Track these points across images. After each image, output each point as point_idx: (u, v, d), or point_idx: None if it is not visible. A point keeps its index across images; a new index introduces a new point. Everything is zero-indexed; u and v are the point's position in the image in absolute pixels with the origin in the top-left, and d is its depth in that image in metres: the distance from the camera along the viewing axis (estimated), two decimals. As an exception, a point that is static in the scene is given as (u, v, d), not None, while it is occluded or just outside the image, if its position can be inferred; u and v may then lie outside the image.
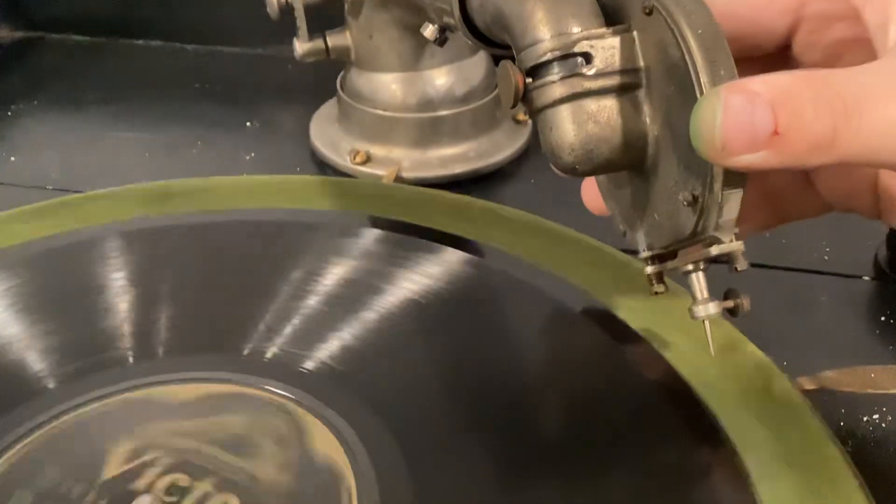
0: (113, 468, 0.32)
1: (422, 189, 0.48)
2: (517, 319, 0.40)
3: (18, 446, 0.33)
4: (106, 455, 0.33)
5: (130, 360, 0.37)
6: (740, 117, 0.27)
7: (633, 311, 0.38)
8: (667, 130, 0.31)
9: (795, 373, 0.36)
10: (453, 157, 0.52)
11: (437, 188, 0.48)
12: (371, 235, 0.43)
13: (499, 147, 0.52)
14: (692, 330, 0.34)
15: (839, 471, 0.32)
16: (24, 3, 0.70)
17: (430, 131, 0.52)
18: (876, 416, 0.36)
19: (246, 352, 0.37)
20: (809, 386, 0.36)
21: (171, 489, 0.32)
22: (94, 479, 0.32)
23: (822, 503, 0.31)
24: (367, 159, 0.52)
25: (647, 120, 0.32)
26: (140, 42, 0.69)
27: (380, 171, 0.51)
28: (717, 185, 0.29)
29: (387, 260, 0.41)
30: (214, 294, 0.40)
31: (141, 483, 0.32)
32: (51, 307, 0.39)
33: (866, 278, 0.44)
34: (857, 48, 0.32)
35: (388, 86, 0.52)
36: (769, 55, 0.35)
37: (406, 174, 0.51)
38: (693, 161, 0.30)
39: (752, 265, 0.43)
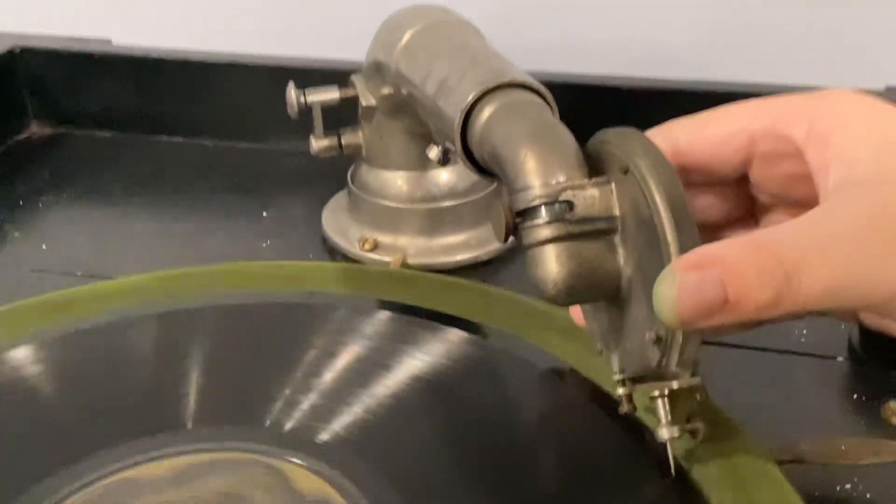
0: None
1: (426, 274, 0.51)
2: (514, 393, 0.43)
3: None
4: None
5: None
6: (694, 294, 0.31)
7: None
8: (638, 272, 0.35)
9: (772, 445, 0.39)
10: (455, 244, 0.55)
11: (440, 273, 0.52)
12: (379, 316, 0.46)
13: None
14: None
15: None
16: (53, 102, 0.74)
17: (433, 221, 0.55)
18: (848, 486, 0.39)
19: (266, 424, 0.40)
20: (785, 457, 0.39)
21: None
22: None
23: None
24: (375, 246, 0.56)
25: (622, 261, 0.36)
26: (161, 137, 0.73)
27: (387, 258, 0.55)
28: (679, 331, 0.33)
29: (394, 339, 0.45)
30: (235, 372, 0.43)
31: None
32: (88, 385, 0.42)
33: (841, 359, 0.46)
34: (808, 181, 0.36)
35: (395, 181, 0.56)
36: (734, 181, 0.39)
37: (411, 260, 0.54)
38: None
39: (735, 346, 0.47)
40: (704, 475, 0.37)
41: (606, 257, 0.36)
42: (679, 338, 0.33)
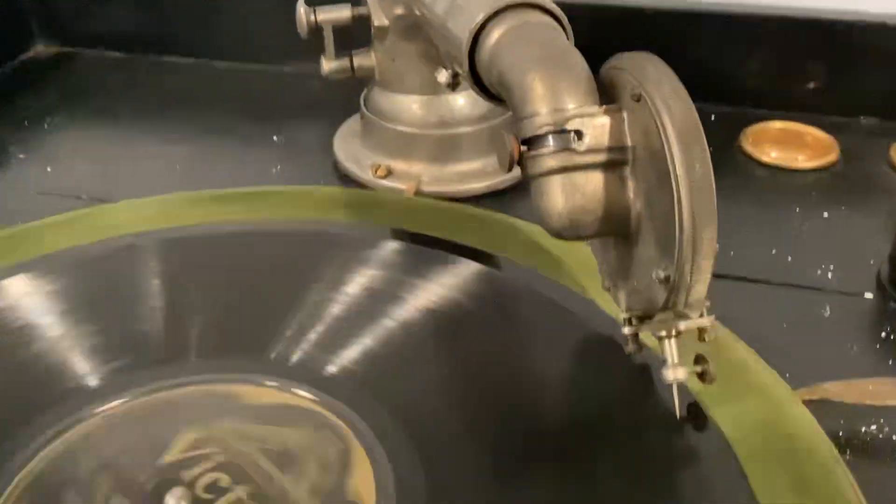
0: (174, 454, 0.34)
1: (441, 202, 0.50)
2: (528, 328, 0.41)
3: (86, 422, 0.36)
4: (173, 440, 0.35)
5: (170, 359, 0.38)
6: None
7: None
8: (647, 208, 0.34)
9: (797, 385, 0.37)
10: (471, 172, 0.53)
11: (455, 202, 0.50)
12: (392, 246, 0.45)
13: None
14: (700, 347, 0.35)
15: (837, 476, 0.34)
16: (59, 20, 0.72)
17: (448, 148, 0.54)
18: (874, 427, 0.38)
19: (271, 356, 0.39)
20: (810, 397, 0.37)
21: (211, 487, 0.33)
22: (154, 461, 0.34)
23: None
24: (388, 173, 0.54)
25: (631, 195, 0.34)
26: (171, 58, 0.71)
27: (400, 185, 0.53)
28: (687, 269, 0.31)
29: (405, 270, 0.43)
30: (242, 300, 0.42)
31: (191, 473, 0.34)
32: (88, 311, 0.41)
33: (868, 296, 0.45)
34: None
35: (409, 105, 0.54)
36: None
37: (425, 188, 0.53)
38: (667, 243, 0.32)
39: (759, 282, 0.45)
40: (723, 416, 0.36)
41: (615, 191, 0.34)
42: (688, 278, 0.32)
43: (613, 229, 0.35)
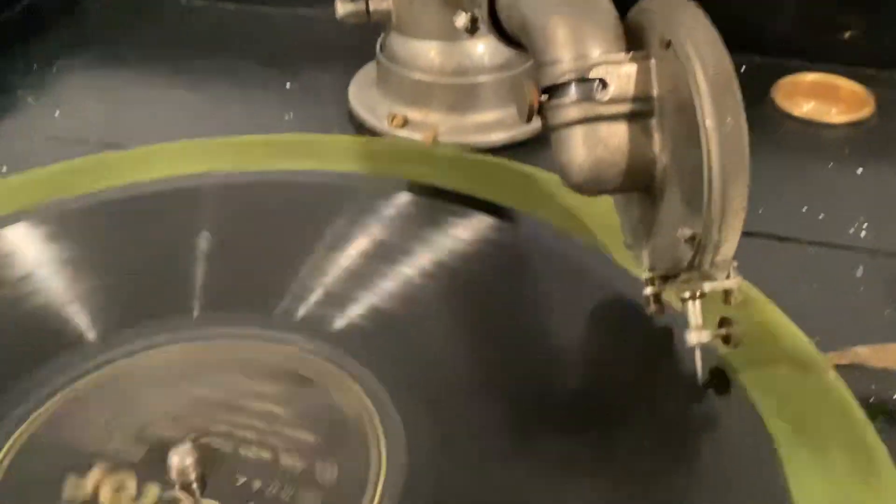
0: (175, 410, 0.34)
1: (458, 153, 0.48)
2: (546, 284, 0.40)
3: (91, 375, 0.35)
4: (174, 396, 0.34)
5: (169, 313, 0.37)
6: None
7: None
8: (674, 163, 0.32)
9: (828, 348, 0.36)
10: (490, 123, 0.52)
11: (473, 153, 0.48)
12: (406, 198, 0.43)
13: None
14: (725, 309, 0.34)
15: (866, 442, 0.32)
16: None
17: (467, 97, 0.52)
18: (907, 393, 0.36)
19: (278, 310, 0.38)
20: (841, 361, 0.36)
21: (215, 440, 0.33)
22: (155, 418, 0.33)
23: (849, 475, 0.31)
24: (405, 123, 0.52)
25: (657, 149, 0.32)
26: (182, 1, 0.69)
27: (417, 136, 0.51)
28: (715, 227, 0.29)
29: (420, 223, 0.42)
30: (250, 252, 0.40)
31: (194, 427, 0.33)
32: (94, 260, 0.40)
33: (903, 256, 0.43)
34: None
35: (426, 52, 0.52)
36: None
37: (443, 139, 0.51)
38: (694, 200, 0.30)
39: (789, 240, 0.43)
40: (749, 380, 0.34)
41: (640, 143, 0.32)
42: (715, 237, 0.30)
43: (637, 184, 0.33)
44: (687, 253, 0.31)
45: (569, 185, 0.33)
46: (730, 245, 0.31)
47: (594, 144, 0.32)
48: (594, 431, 0.33)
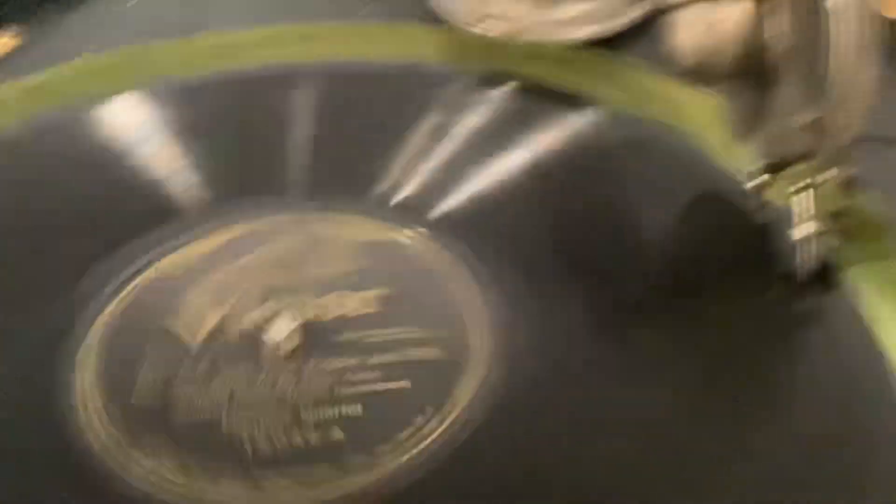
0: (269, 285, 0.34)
1: (545, 46, 0.47)
2: (643, 178, 0.39)
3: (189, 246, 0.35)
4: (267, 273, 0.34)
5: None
6: None
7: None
8: (793, 44, 0.30)
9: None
10: (577, 17, 0.50)
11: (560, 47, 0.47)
12: (499, 90, 0.42)
13: (625, 8, 0.50)
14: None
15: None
16: None
17: (552, -10, 0.50)
18: None
19: (375, 195, 0.37)
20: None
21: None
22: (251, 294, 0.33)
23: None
24: (486, 17, 0.51)
25: (776, 30, 0.31)
26: None
27: (499, 29, 0.50)
28: (837, 114, 0.28)
29: (513, 115, 0.41)
30: (348, 138, 0.40)
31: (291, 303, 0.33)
32: (196, 138, 0.40)
33: None
34: None
35: (516, -64, 0.50)
36: None
37: (526, 35, 0.49)
38: (816, 84, 0.29)
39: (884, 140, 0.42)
40: (856, 278, 0.33)
41: (757, 24, 0.31)
42: (837, 124, 0.29)
43: (752, 68, 0.32)
44: (804, 140, 0.30)
45: (679, 71, 0.32)
46: (851, 133, 0.29)
47: (708, 27, 0.31)
48: (693, 327, 0.33)
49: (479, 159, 0.39)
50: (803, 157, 0.31)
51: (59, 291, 0.33)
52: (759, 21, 0.31)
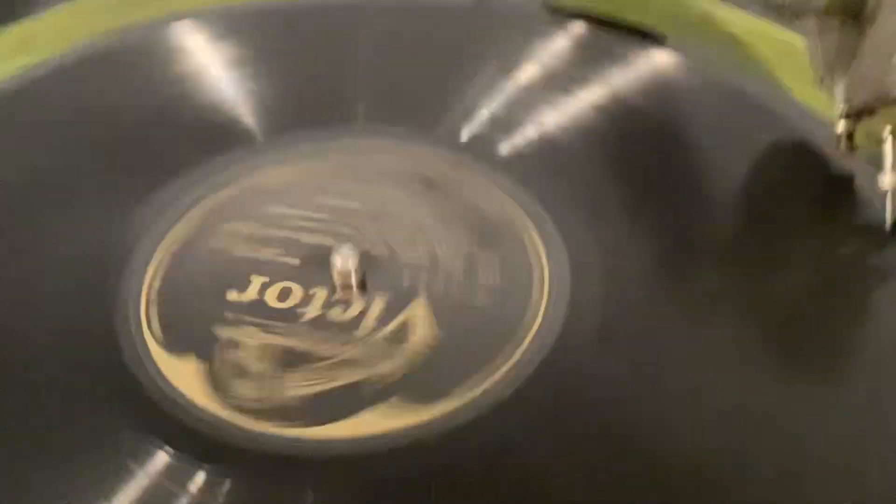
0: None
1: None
2: (719, 123, 0.37)
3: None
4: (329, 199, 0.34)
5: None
6: None
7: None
8: None
9: None
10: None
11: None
12: (576, 28, 0.41)
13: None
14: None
15: None
16: None
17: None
18: None
19: (443, 129, 0.36)
20: None
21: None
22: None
23: None
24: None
25: None
26: None
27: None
28: None
29: (587, 54, 0.40)
30: (416, 72, 0.39)
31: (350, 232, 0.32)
32: (261, 65, 0.39)
33: None
34: None
35: None
36: None
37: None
38: None
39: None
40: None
41: None
42: None
43: (846, 5, 0.30)
44: None
45: (771, 3, 0.30)
46: None
47: None
48: (763, 274, 0.31)
49: (547, 98, 0.38)
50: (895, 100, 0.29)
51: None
52: None
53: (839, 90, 0.32)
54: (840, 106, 0.32)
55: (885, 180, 0.31)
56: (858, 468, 0.26)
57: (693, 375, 0.28)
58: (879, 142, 0.31)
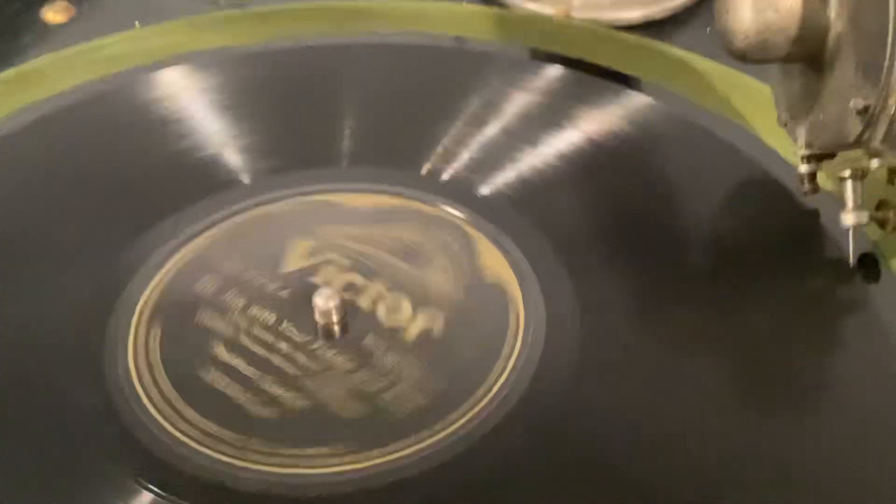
0: (292, 263, 0.34)
1: (596, 28, 0.47)
2: (689, 162, 0.39)
3: (207, 233, 0.35)
4: (285, 250, 0.34)
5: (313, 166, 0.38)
6: None
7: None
8: (851, 30, 0.30)
9: None
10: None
11: (610, 29, 0.47)
12: (549, 71, 0.42)
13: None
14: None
15: None
16: None
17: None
18: None
19: (423, 171, 0.37)
20: None
21: (347, 286, 0.33)
22: (275, 270, 0.33)
23: None
24: (538, -4, 0.50)
25: (832, 14, 0.30)
26: None
27: (550, 9, 0.50)
28: (892, 100, 0.28)
29: (563, 96, 0.41)
30: (399, 114, 0.40)
31: (319, 279, 0.33)
32: (246, 110, 0.40)
33: None
34: None
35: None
36: None
37: (577, 14, 0.49)
38: (870, 69, 0.28)
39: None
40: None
41: (814, 8, 0.30)
42: (891, 108, 0.28)
43: (805, 53, 0.31)
44: (856, 126, 0.30)
45: (732, 53, 0.32)
46: None
47: (763, 7, 0.30)
48: (735, 311, 0.33)
49: (525, 139, 0.39)
50: (855, 143, 0.31)
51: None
52: (818, 2, 0.31)
53: (801, 134, 0.34)
54: (802, 150, 0.34)
55: (847, 218, 0.32)
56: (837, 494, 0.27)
57: (670, 413, 0.29)
58: (840, 182, 0.32)
